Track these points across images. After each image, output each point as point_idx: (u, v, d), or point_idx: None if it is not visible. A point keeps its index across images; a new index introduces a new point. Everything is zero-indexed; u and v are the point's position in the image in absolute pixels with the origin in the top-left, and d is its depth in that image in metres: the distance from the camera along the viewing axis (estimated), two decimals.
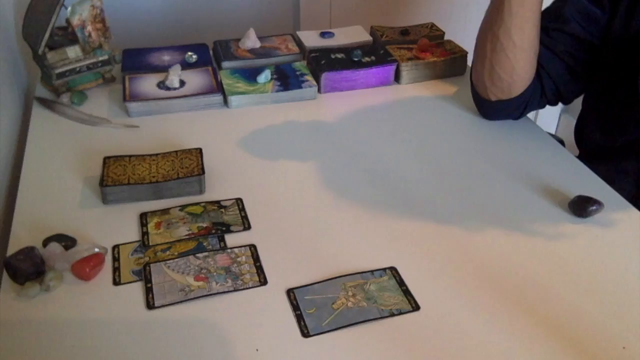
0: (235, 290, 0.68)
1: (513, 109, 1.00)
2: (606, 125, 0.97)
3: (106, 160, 0.86)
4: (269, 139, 0.98)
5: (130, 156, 0.87)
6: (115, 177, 0.82)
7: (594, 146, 1.02)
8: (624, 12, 0.90)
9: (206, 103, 1.05)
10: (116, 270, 0.71)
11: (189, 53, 1.14)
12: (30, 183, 0.85)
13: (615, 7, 0.91)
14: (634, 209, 0.83)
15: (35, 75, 1.13)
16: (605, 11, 0.92)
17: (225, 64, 1.15)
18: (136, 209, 0.80)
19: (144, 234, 0.76)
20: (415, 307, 0.67)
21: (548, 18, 0.97)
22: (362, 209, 0.82)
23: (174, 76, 1.06)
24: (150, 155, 0.88)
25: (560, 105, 1.04)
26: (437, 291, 0.69)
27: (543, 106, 1.03)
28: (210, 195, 0.84)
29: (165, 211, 0.80)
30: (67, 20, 1.05)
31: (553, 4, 0.98)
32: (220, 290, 0.68)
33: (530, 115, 1.06)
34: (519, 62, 0.91)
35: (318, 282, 0.70)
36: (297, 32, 1.26)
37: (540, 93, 0.99)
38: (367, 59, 1.14)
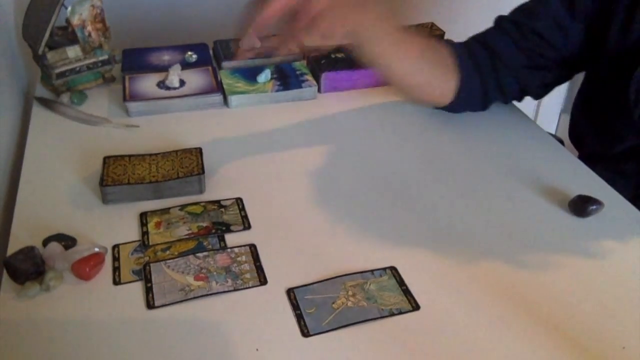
0: (235, 290, 0.68)
1: (467, 107, 1.01)
2: (602, 133, 0.97)
3: (106, 160, 0.86)
4: (269, 139, 0.98)
5: (130, 156, 0.87)
6: (115, 177, 0.82)
7: (591, 151, 1.01)
8: (620, 23, 0.89)
9: (206, 103, 1.05)
10: (116, 270, 0.71)
11: (189, 53, 1.14)
12: (30, 183, 0.85)
13: (599, 20, 0.90)
14: (634, 209, 0.83)
15: (35, 75, 1.13)
16: (576, 21, 0.92)
17: (225, 64, 1.15)
18: (136, 208, 0.80)
19: (144, 233, 0.76)
20: (415, 307, 0.67)
21: (521, 13, 0.96)
22: (362, 208, 0.82)
23: (174, 76, 1.06)
24: (150, 155, 0.88)
25: (560, 105, 1.04)
26: (437, 291, 0.69)
27: (508, 99, 1.02)
28: (210, 195, 0.84)
29: (165, 211, 0.80)
30: (67, 20, 1.05)
31: (531, 1, 0.98)
32: (220, 290, 0.68)
33: (530, 115, 1.06)
34: (428, 80, 0.92)
35: (318, 282, 0.70)
36: None
37: (495, 86, 0.97)
38: None
